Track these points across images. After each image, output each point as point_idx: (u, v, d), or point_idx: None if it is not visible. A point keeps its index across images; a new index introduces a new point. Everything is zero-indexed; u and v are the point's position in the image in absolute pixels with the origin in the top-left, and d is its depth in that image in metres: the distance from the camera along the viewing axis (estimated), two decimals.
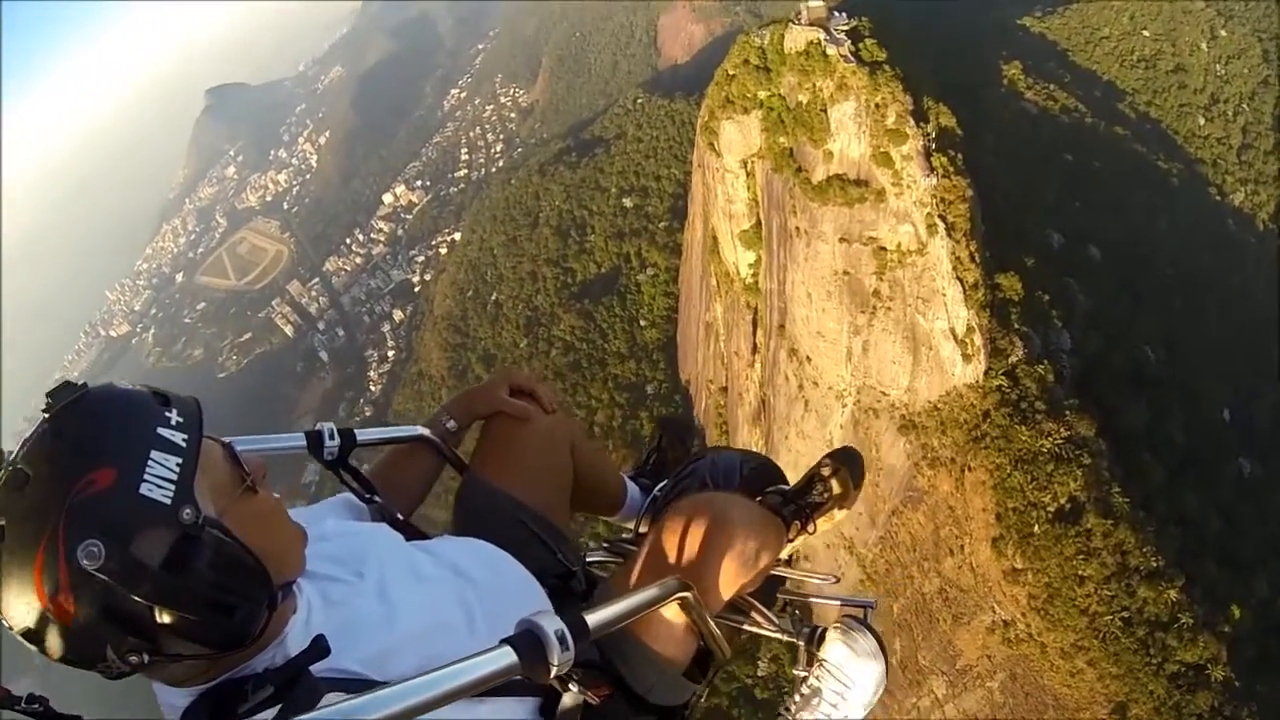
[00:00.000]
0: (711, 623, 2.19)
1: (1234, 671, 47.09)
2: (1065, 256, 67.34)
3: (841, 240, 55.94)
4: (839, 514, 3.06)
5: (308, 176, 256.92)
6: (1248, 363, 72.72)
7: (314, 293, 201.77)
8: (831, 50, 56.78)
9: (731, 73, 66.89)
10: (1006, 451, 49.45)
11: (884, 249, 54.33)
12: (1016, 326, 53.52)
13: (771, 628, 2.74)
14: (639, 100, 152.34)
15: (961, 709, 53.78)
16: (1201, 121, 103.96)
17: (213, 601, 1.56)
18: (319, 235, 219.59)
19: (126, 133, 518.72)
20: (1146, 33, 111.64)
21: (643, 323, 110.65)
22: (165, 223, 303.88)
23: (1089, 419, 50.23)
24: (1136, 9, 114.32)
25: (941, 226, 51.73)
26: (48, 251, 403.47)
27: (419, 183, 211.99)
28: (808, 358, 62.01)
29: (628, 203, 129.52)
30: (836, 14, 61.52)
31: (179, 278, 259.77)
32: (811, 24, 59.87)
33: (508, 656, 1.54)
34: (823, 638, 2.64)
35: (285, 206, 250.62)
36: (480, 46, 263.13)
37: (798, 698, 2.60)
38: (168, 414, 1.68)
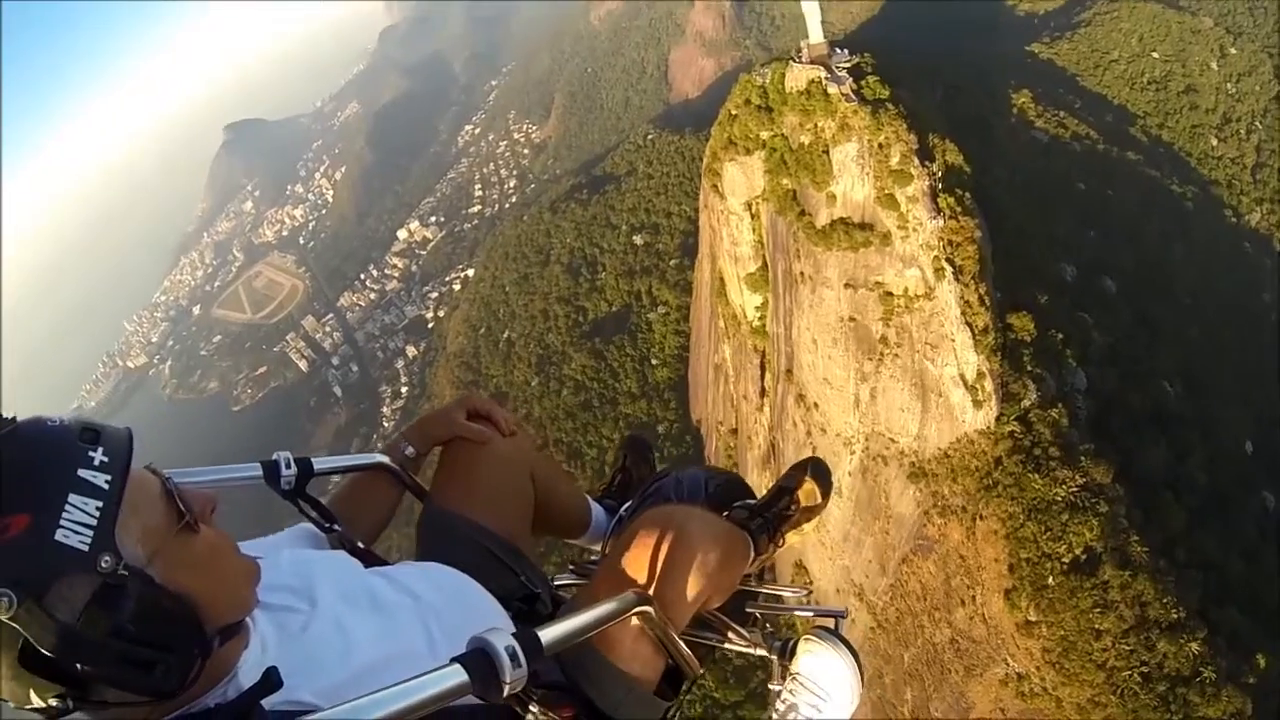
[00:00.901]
0: (677, 638, 2.16)
1: None
2: (1080, 290, 65.78)
3: (847, 286, 54.74)
4: (807, 526, 3.09)
5: (323, 212, 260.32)
6: (1271, 390, 71.06)
7: (328, 328, 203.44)
8: (833, 89, 55.42)
9: (734, 113, 65.81)
10: (1019, 500, 47.86)
11: (890, 294, 52.90)
12: (1029, 368, 51.95)
13: (742, 643, 2.69)
14: (649, 136, 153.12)
15: None
16: (1214, 142, 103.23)
17: (129, 657, 1.48)
18: (334, 270, 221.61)
19: (146, 167, 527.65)
20: (1156, 54, 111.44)
21: (654, 361, 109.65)
22: (183, 255, 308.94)
23: (1105, 464, 48.43)
24: (1145, 30, 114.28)
25: (949, 270, 50.48)
26: (67, 282, 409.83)
27: (433, 219, 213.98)
28: (815, 404, 60.66)
29: (638, 240, 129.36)
30: (838, 50, 60.60)
31: (196, 310, 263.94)
32: (812, 62, 58.72)
33: (457, 675, 1.50)
34: (794, 650, 2.60)
35: (301, 241, 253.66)
36: (494, 83, 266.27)
37: (774, 714, 2.55)
38: (91, 453, 1.58)
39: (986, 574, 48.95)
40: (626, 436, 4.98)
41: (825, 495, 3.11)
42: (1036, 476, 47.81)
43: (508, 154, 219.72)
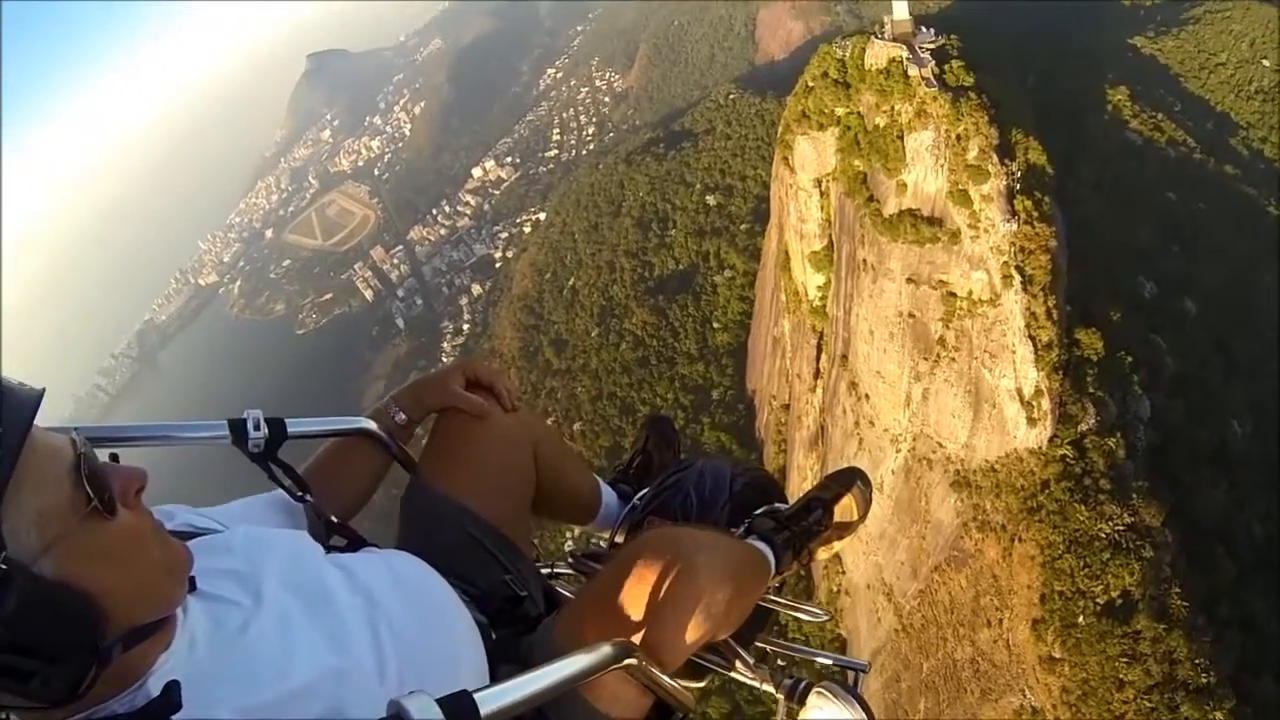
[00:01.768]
0: (668, 682, 1.92)
1: None
2: (1157, 308, 62.78)
3: (909, 281, 53.14)
4: (839, 544, 2.90)
5: (400, 145, 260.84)
6: None
7: (396, 260, 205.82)
8: (913, 71, 53.30)
9: (810, 85, 63.97)
10: (1061, 529, 46.20)
11: (953, 295, 51.24)
12: (1092, 390, 49.76)
13: (749, 674, 2.47)
14: (731, 96, 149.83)
15: None
16: None
17: (1, 665, 1.27)
18: (406, 203, 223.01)
19: (232, 91, 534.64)
20: (1267, 62, 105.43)
21: (715, 325, 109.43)
22: (260, 179, 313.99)
23: (1157, 506, 46.24)
24: (1258, 35, 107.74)
25: (1018, 279, 48.26)
26: (151, 199, 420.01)
27: (509, 159, 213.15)
28: (866, 395, 59.58)
29: (711, 201, 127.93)
30: (923, 29, 58.29)
31: (269, 234, 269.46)
32: (895, 39, 56.38)
33: None
34: (805, 695, 2.40)
35: (376, 173, 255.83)
36: (579, 28, 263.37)
37: None
38: None
39: (1017, 599, 47.71)
40: (649, 416, 4.70)
41: (864, 513, 2.90)
42: (1083, 508, 46.06)
43: (588, 100, 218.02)
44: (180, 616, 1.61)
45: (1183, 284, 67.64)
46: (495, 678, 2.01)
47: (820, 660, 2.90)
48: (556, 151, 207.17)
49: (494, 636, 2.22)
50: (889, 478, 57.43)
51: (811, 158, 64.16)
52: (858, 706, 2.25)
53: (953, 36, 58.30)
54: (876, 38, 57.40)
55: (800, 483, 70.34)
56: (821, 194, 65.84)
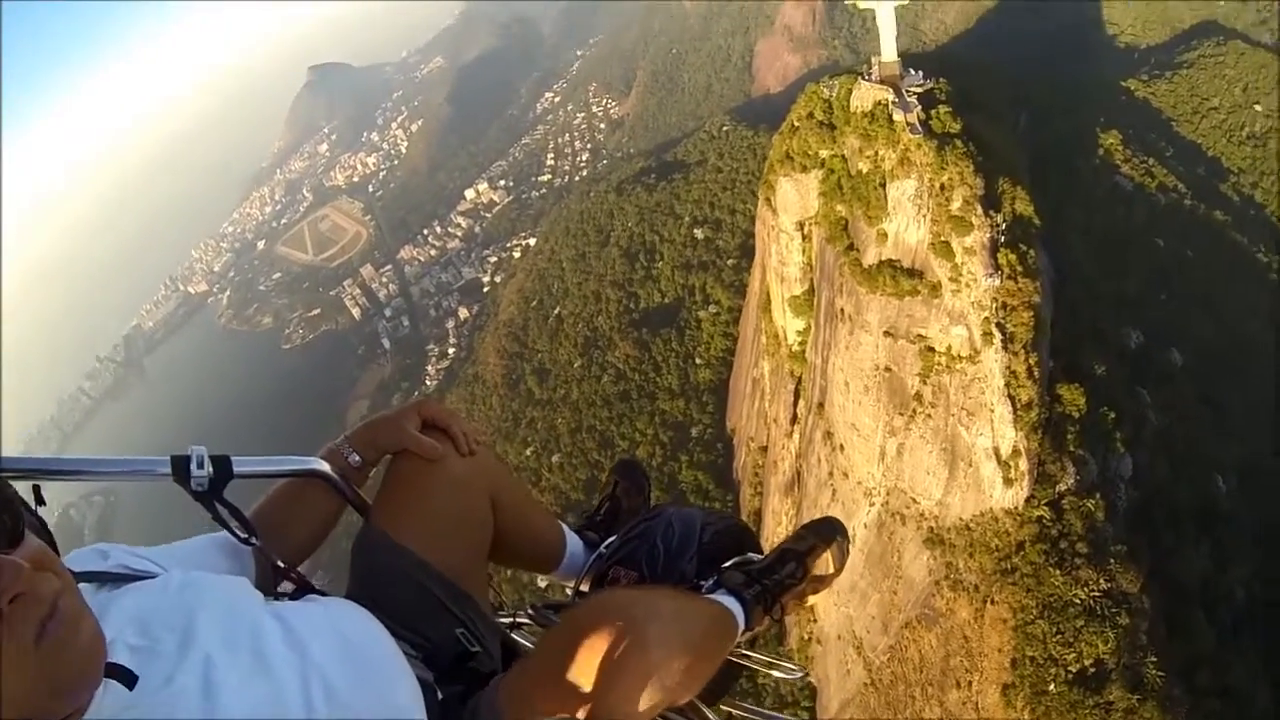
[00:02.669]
0: None
1: None
2: (1143, 360, 61.65)
3: (886, 334, 51.63)
4: (813, 598, 2.90)
5: (396, 162, 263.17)
6: None
7: (385, 279, 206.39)
8: (898, 116, 52.01)
9: (796, 125, 62.62)
10: (1035, 593, 44.76)
11: (932, 350, 49.70)
12: (1072, 449, 48.33)
13: None
14: (724, 128, 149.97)
15: None
16: None
17: None
18: (399, 222, 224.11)
19: (232, 96, 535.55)
20: (1259, 107, 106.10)
21: (698, 361, 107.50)
22: (255, 189, 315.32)
23: (1135, 571, 44.80)
24: (1251, 80, 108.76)
25: (999, 336, 46.99)
26: (145, 202, 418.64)
27: (502, 182, 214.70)
28: (841, 446, 57.82)
29: (699, 234, 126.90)
30: (911, 71, 56.68)
31: (260, 245, 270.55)
32: (882, 81, 55.11)
33: None
34: None
35: (370, 189, 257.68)
36: (580, 52, 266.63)
37: None
38: None
39: (988, 662, 46.22)
40: (620, 460, 4.42)
41: (840, 566, 2.81)
42: (1058, 572, 44.62)
43: (584, 126, 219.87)
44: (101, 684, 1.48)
45: (1170, 334, 66.92)
46: None
47: None
48: (550, 177, 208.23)
49: (440, 695, 2.12)
50: (861, 530, 55.74)
51: (794, 200, 62.77)
52: None
53: (942, 80, 57.29)
54: (864, 79, 56.37)
55: (775, 527, 69.43)
56: (804, 237, 64.26)
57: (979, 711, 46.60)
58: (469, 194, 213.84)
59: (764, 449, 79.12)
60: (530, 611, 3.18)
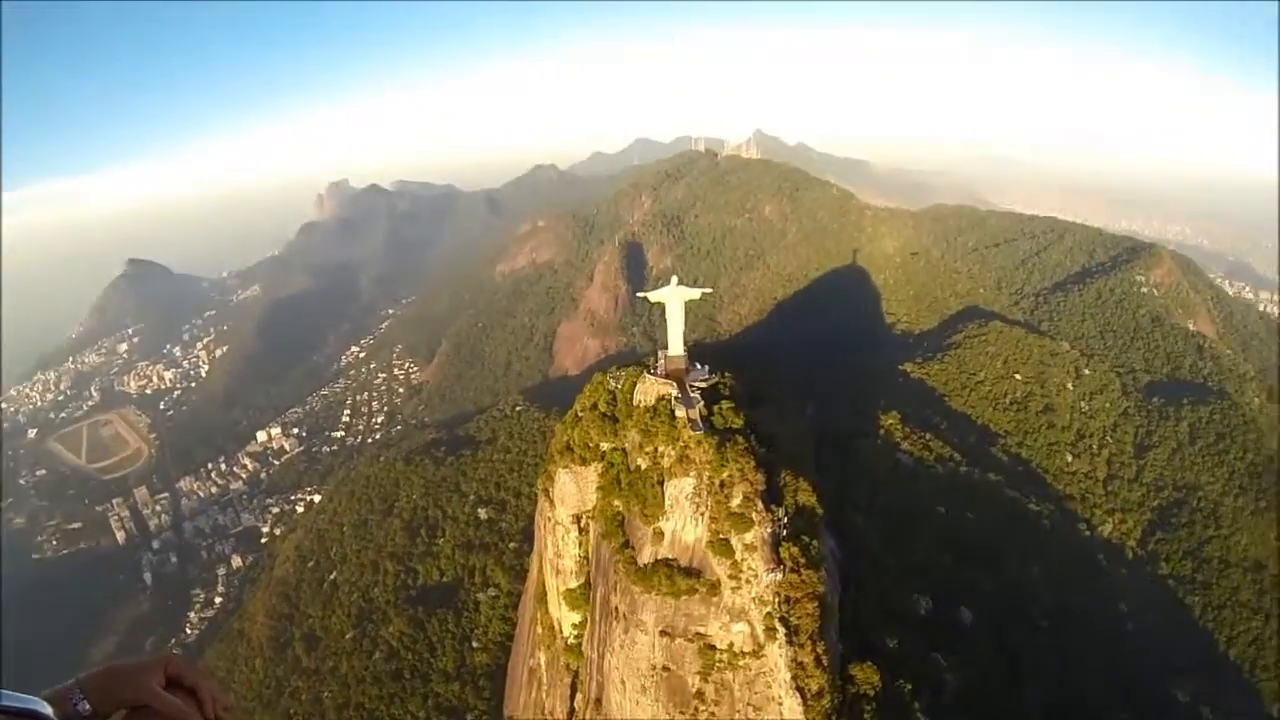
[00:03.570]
0: None
1: None
2: (934, 624, 63.37)
3: (663, 633, 49.84)
4: None
5: (193, 384, 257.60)
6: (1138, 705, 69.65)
7: (159, 507, 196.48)
8: (680, 412, 52.00)
9: (580, 415, 63.16)
10: None
11: (713, 647, 48.11)
12: None
13: None
14: (518, 407, 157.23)
15: None
16: (1069, 458, 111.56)
17: None
18: (184, 449, 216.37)
19: (44, 268, 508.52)
20: (1018, 376, 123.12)
21: (475, 644, 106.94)
22: (41, 371, 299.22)
23: None
24: (1010, 353, 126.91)
25: (782, 631, 46.07)
26: None
27: (296, 430, 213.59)
28: None
29: (483, 514, 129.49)
30: (698, 365, 57.68)
31: (32, 433, 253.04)
32: (668, 375, 55.73)
33: None
34: None
35: (162, 406, 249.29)
36: (391, 311, 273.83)
37: None
38: None
39: None
40: None
41: None
42: None
43: (384, 387, 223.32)
44: None
45: (959, 594, 69.51)
46: None
47: None
48: (344, 434, 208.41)
49: None
50: None
51: (572, 493, 62.29)
52: None
53: (727, 375, 58.71)
54: (649, 372, 56.97)
55: None
56: (581, 530, 63.58)
57: None
58: (261, 435, 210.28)
59: None
60: None
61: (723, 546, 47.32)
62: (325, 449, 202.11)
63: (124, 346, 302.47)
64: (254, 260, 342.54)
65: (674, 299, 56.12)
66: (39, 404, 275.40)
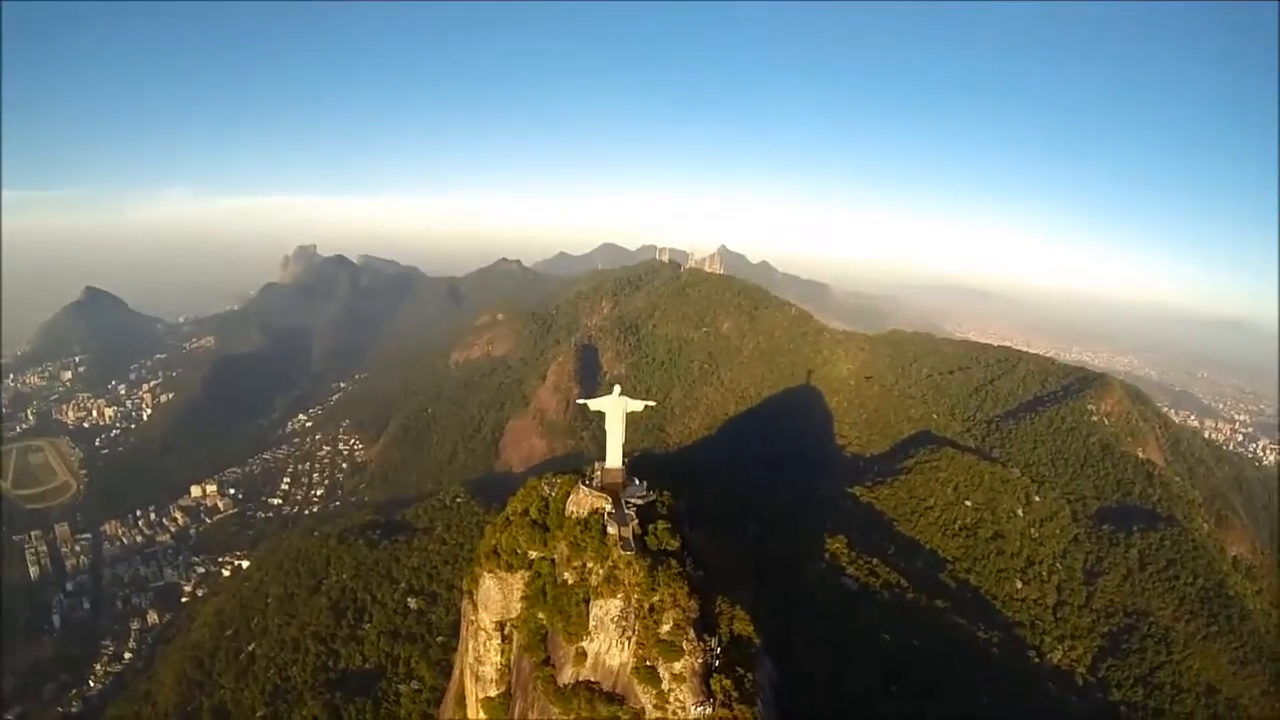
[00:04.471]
0: None
1: None
2: None
3: None
4: None
5: (133, 426, 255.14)
6: None
7: (79, 548, 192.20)
8: (612, 529, 50.29)
9: (510, 519, 60.57)
10: None
11: None
12: None
13: None
14: (459, 499, 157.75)
15: None
16: (1019, 584, 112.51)
17: None
18: (114, 491, 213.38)
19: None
20: (969, 502, 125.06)
21: None
22: None
23: None
24: (961, 479, 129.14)
25: None
26: None
27: (232, 491, 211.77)
28: None
29: (413, 603, 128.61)
30: (635, 481, 56.11)
31: None
32: (603, 488, 54.13)
33: None
34: None
35: (97, 443, 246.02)
36: (342, 384, 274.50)
37: None
38: None
39: None
40: None
41: None
42: None
43: (327, 460, 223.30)
44: None
45: None
46: None
47: None
48: (280, 502, 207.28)
49: None
50: None
51: (497, 599, 59.14)
52: None
53: (665, 493, 56.68)
54: (584, 484, 55.32)
55: None
56: (504, 638, 60.54)
57: None
58: (195, 490, 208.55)
59: None
60: None
61: (649, 674, 44.80)
62: (260, 514, 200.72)
63: (68, 374, 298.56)
64: (212, 311, 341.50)
65: (615, 409, 54.29)
66: None
